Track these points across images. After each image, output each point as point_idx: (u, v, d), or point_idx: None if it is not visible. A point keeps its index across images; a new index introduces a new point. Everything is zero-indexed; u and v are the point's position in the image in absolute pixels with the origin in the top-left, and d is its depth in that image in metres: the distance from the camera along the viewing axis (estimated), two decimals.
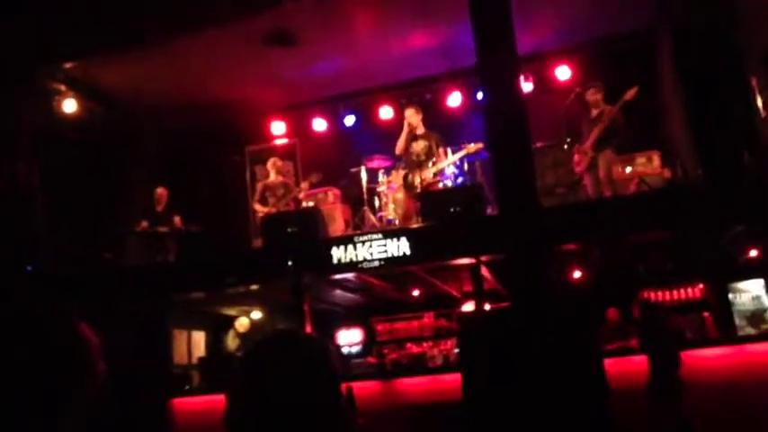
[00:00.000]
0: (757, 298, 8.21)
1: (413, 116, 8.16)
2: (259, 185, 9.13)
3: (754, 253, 7.50)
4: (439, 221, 6.67)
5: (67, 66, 8.84)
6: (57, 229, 8.25)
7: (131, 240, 8.97)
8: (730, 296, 8.36)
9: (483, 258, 6.55)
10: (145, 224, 8.86)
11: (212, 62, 9.10)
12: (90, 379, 1.32)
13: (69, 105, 8.99)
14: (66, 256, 7.95)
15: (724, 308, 8.27)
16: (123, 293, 7.61)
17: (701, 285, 8.54)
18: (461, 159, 8.47)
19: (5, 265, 7.52)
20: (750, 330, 7.89)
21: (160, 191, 9.07)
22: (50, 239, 8.13)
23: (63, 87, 9.03)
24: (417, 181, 7.90)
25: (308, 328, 7.19)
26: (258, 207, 8.90)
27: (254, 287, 7.57)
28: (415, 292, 8.80)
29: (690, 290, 8.57)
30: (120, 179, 9.95)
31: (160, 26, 7.72)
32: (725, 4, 8.19)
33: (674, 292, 8.61)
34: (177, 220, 8.88)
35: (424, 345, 9.04)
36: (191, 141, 10.77)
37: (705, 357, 6.47)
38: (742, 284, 8.32)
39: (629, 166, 8.35)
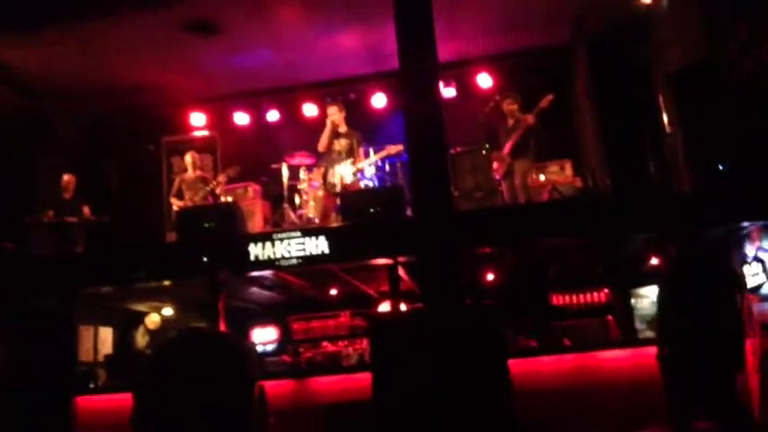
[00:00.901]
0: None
1: (336, 114, 8.15)
2: (176, 179, 8.90)
3: (654, 261, 7.92)
4: (358, 221, 6.70)
5: None
6: None
7: (36, 230, 8.54)
8: (632, 301, 8.84)
9: (400, 259, 6.62)
10: (51, 213, 8.45)
11: (129, 46, 8.78)
12: None
13: None
14: None
15: (626, 312, 8.73)
16: (26, 286, 7.23)
17: (605, 290, 8.95)
18: (383, 160, 8.53)
19: None
20: (649, 333, 8.33)
21: (67, 178, 8.67)
22: None
23: None
24: (337, 179, 7.90)
25: (223, 326, 7.05)
26: (174, 201, 8.67)
27: (166, 283, 7.36)
28: (333, 291, 8.80)
29: (596, 294, 8.97)
30: (27, 165, 9.46)
31: (74, 4, 7.37)
32: (637, 23, 8.63)
33: (582, 297, 8.99)
34: (86, 209, 8.53)
35: (340, 344, 9.05)
36: (104, 128, 10.37)
37: (607, 359, 6.78)
38: (643, 290, 8.79)
39: (543, 173, 8.66)
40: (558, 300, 8.95)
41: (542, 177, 8.57)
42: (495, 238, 6.41)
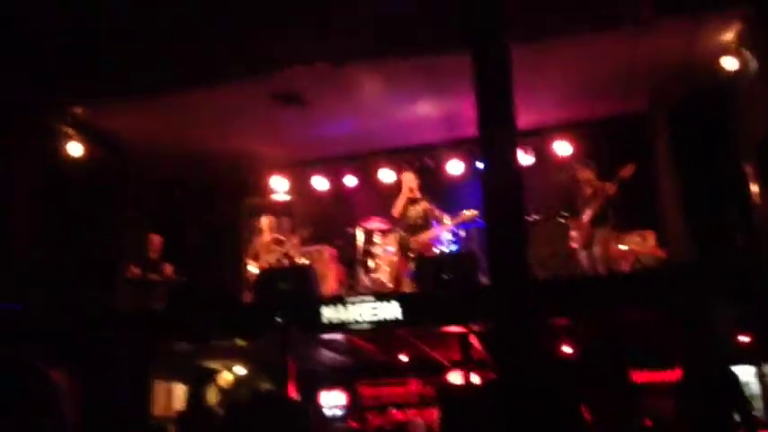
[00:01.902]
0: (746, 384, 8.10)
1: (412, 181, 8.25)
2: (253, 242, 9.14)
3: (744, 338, 7.45)
4: (431, 287, 6.64)
5: (77, 109, 8.96)
6: (49, 268, 8.19)
7: (122, 285, 8.91)
8: None
9: (473, 327, 6.49)
10: (136, 270, 8.81)
11: (218, 115, 9.24)
12: (54, 424, 1.30)
13: (73, 148, 9.05)
14: (56, 296, 7.87)
15: None
16: (108, 339, 7.50)
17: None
18: (458, 227, 8.51)
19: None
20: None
21: (154, 238, 9.07)
22: (42, 279, 8.07)
23: (69, 130, 9.11)
24: (413, 244, 7.92)
25: (292, 388, 7.06)
26: (250, 262, 8.88)
27: (240, 342, 7.47)
28: (403, 357, 8.69)
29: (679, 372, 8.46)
30: (116, 223, 9.95)
31: (174, 79, 7.86)
32: (722, 92, 8.42)
33: (664, 374, 8.50)
34: (168, 268, 8.84)
35: (409, 412, 8.86)
36: (188, 190, 10.83)
37: None
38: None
39: (624, 243, 8.41)
40: (639, 377, 8.49)
41: (623, 247, 8.31)
42: (573, 309, 6.20)
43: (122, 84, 8.16)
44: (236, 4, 7.13)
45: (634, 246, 8.46)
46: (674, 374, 8.33)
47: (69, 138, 9.03)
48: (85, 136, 9.28)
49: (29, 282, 7.95)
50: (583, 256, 8.09)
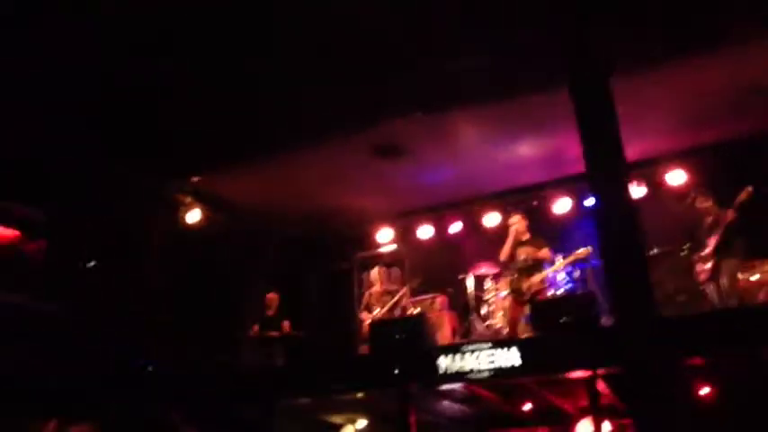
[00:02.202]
0: None
1: (518, 223, 8.12)
2: (365, 294, 9.25)
3: None
4: (550, 331, 6.44)
5: (194, 179, 9.55)
6: (178, 330, 8.65)
7: (244, 344, 9.25)
8: None
9: (599, 372, 6.20)
10: (256, 328, 9.13)
11: (325, 172, 9.56)
12: None
13: (193, 215, 9.62)
14: (186, 356, 8.27)
15: None
16: (234, 396, 7.75)
17: None
18: (572, 267, 8.27)
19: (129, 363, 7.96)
20: None
21: (271, 296, 9.38)
22: (172, 340, 8.53)
23: (188, 199, 9.71)
24: (525, 287, 7.74)
25: None
26: (364, 315, 8.97)
27: (359, 395, 7.50)
28: (527, 406, 8.39)
29: None
30: (237, 283, 10.40)
31: (279, 140, 8.24)
32: None
33: None
34: (286, 324, 9.09)
35: None
36: (302, 248, 11.18)
37: None
38: None
39: (757, 273, 7.83)
40: None
41: (757, 277, 7.74)
42: (707, 347, 5.80)
43: (232, 150, 8.63)
44: (335, 60, 7.41)
45: (766, 275, 7.86)
46: None
47: (189, 206, 9.61)
48: (204, 203, 9.85)
49: (162, 344, 8.41)
50: (711, 289, 7.62)
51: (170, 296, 8.83)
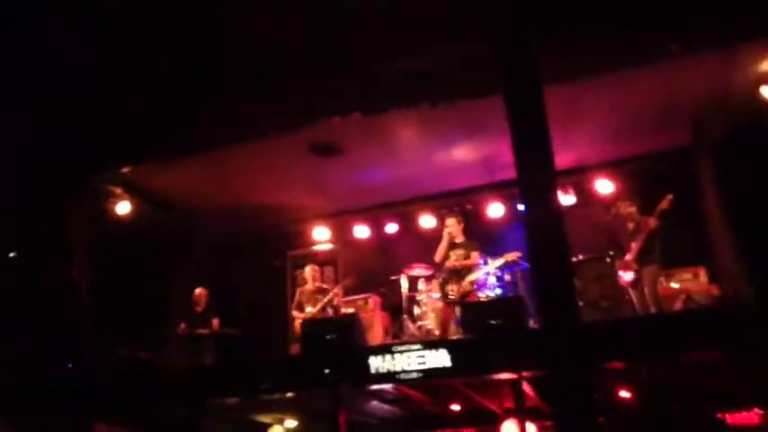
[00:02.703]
0: None
1: (453, 226, 8.22)
2: (296, 292, 9.18)
3: None
4: (479, 333, 6.56)
5: (125, 170, 9.26)
6: (101, 327, 8.38)
7: (170, 341, 9.02)
8: None
9: (525, 374, 6.36)
10: (184, 326, 8.92)
11: (260, 169, 9.45)
12: None
13: (123, 207, 9.32)
14: (109, 355, 8.01)
15: None
16: (158, 396, 7.56)
17: (757, 411, 8.07)
18: (502, 270, 8.43)
19: (49, 361, 7.65)
20: None
21: (199, 292, 9.19)
22: (95, 338, 8.25)
23: (118, 190, 9.41)
24: (455, 290, 7.85)
25: None
26: (296, 313, 8.90)
27: (289, 394, 7.45)
28: (455, 407, 8.52)
29: (745, 415, 8.10)
30: (165, 279, 10.15)
31: (215, 136, 8.09)
32: (763, 121, 8.27)
33: (728, 416, 8.14)
34: (215, 322, 8.93)
35: None
36: (234, 245, 11.01)
37: None
38: None
39: (675, 281, 8.20)
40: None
41: (675, 285, 8.10)
42: (627, 352, 6.02)
43: (165, 143, 8.42)
44: (273, 59, 7.34)
45: (686, 283, 8.24)
46: (750, 417, 8.00)
47: (118, 198, 9.31)
48: (134, 195, 9.57)
49: (85, 342, 8.13)
50: (633, 295, 7.91)
51: (94, 290, 8.52)
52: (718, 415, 7.94)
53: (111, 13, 6.73)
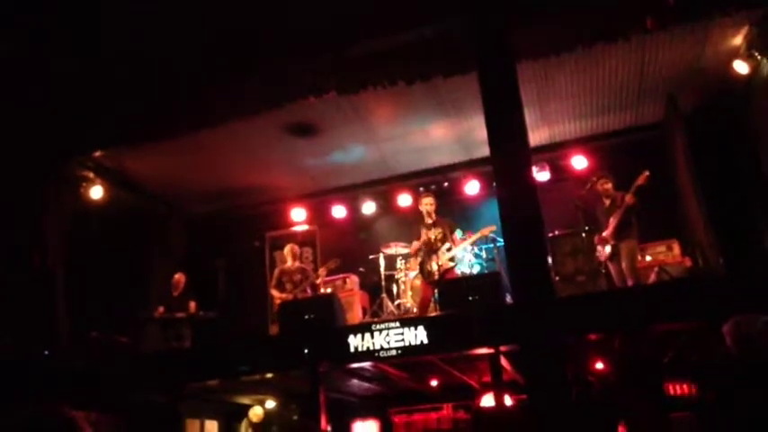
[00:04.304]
0: None
1: (429, 205, 8.22)
2: (276, 271, 9.14)
3: None
4: (457, 310, 6.61)
5: (97, 154, 9.13)
6: (78, 312, 8.31)
7: (149, 326, 8.98)
8: None
9: (502, 348, 6.43)
10: (161, 310, 8.89)
11: (236, 151, 9.38)
12: None
13: (96, 192, 9.21)
14: (86, 340, 7.95)
15: None
16: (137, 379, 7.54)
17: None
18: (476, 244, 8.47)
19: (25, 348, 7.57)
20: None
21: (177, 276, 9.14)
22: (71, 323, 8.18)
23: (91, 174, 9.29)
24: (434, 268, 7.89)
25: (324, 419, 7.01)
26: (275, 293, 8.88)
27: (268, 375, 7.46)
28: (434, 383, 8.61)
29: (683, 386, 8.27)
30: (142, 263, 10.08)
31: (190, 118, 7.98)
32: (734, 94, 8.37)
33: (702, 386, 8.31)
34: (192, 305, 8.89)
35: None
36: (212, 226, 10.95)
37: None
38: None
39: (649, 254, 8.31)
40: (676, 389, 8.30)
41: (648, 258, 8.21)
42: (601, 324, 6.11)
43: (138, 126, 8.29)
44: (246, 40, 7.25)
45: (659, 256, 8.36)
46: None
47: (91, 182, 9.20)
48: (109, 180, 9.46)
49: (60, 327, 8.06)
50: (611, 269, 8.00)
51: (69, 276, 8.43)
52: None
53: None
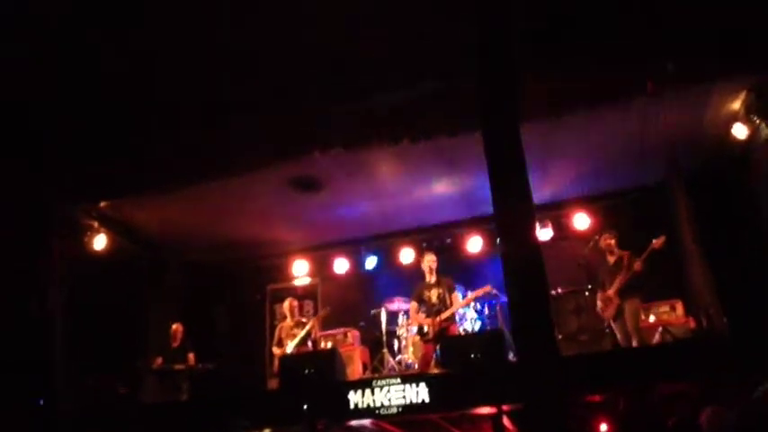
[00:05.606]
0: None
1: (432, 262, 8.22)
2: (276, 330, 9.10)
3: None
4: (459, 368, 6.54)
5: (102, 204, 9.19)
6: (76, 361, 8.22)
7: (147, 377, 8.88)
8: None
9: (504, 408, 6.34)
10: (160, 361, 8.80)
11: (240, 203, 9.44)
12: None
13: (100, 242, 9.23)
14: (82, 389, 7.85)
15: None
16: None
17: None
18: (481, 304, 8.44)
19: (19, 396, 7.47)
20: None
21: (176, 327, 9.09)
22: (69, 372, 8.09)
23: (95, 224, 9.32)
24: (434, 325, 7.82)
25: None
26: (275, 350, 8.81)
27: (266, 431, 7.33)
28: None
29: None
30: (141, 312, 10.02)
31: (195, 170, 8.08)
32: (735, 156, 8.47)
33: None
34: (191, 356, 8.81)
35: None
36: (212, 277, 10.93)
37: None
38: None
39: (653, 314, 8.27)
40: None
41: (652, 318, 8.17)
42: (604, 384, 6.05)
43: (143, 178, 8.39)
44: (252, 93, 7.40)
45: (663, 316, 8.32)
46: None
47: (94, 231, 9.22)
48: (112, 230, 9.49)
49: (57, 375, 7.96)
50: (616, 328, 7.94)
51: (68, 323, 8.38)
52: None
53: (96, 41, 6.73)
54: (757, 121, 7.65)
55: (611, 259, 8.12)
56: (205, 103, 7.44)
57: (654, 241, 7.73)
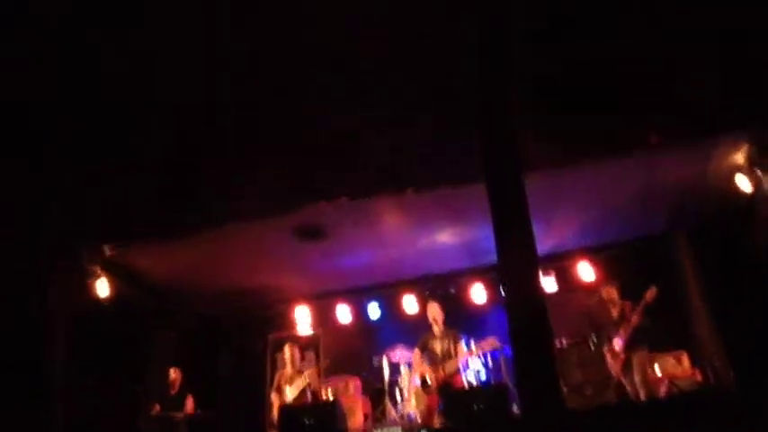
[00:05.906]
0: None
1: (437, 313, 8.19)
2: (276, 376, 9.00)
3: None
4: (462, 421, 6.44)
5: (105, 249, 9.19)
6: (74, 410, 8.09)
7: (145, 423, 8.74)
8: None
9: None
10: (158, 408, 8.68)
11: (242, 252, 9.41)
12: None
13: (102, 287, 9.19)
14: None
15: None
16: None
17: None
18: (485, 355, 8.37)
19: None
20: None
21: (174, 374, 9.00)
22: (67, 420, 7.95)
23: (98, 269, 9.31)
24: (438, 377, 7.75)
25: None
26: (274, 397, 8.70)
27: None
28: None
29: None
30: (140, 359, 9.92)
31: (199, 218, 8.10)
32: (739, 208, 8.49)
33: None
34: (190, 403, 8.70)
35: None
36: (213, 325, 10.85)
37: None
38: None
39: (659, 367, 8.18)
40: None
41: (659, 372, 8.08)
42: None
43: (148, 225, 8.40)
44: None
45: (669, 368, 8.23)
46: None
47: (96, 276, 9.19)
48: (115, 276, 9.46)
49: (56, 424, 7.84)
50: (625, 382, 7.86)
51: (66, 368, 8.28)
52: None
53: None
54: (759, 174, 7.70)
55: (615, 312, 8.10)
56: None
57: (646, 293, 7.73)
